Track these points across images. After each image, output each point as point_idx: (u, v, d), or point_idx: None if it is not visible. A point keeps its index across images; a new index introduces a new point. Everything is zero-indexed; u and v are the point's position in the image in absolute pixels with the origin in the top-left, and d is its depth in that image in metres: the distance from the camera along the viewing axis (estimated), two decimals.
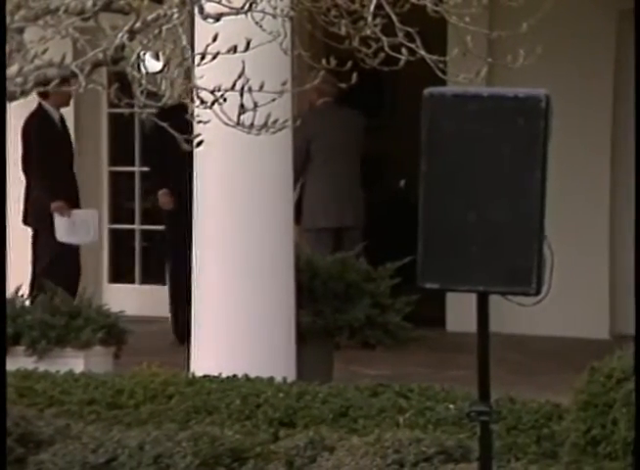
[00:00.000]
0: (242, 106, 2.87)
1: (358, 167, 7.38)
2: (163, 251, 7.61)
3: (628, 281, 7.73)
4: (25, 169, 7.31)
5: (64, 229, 7.16)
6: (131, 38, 2.82)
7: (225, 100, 2.89)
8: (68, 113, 7.78)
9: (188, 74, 2.94)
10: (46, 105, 7.28)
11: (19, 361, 5.39)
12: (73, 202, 7.29)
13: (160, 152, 7.06)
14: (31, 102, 6.99)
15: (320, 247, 6.74)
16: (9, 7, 2.80)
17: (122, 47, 2.82)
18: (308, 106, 7.13)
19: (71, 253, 7.27)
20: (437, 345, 7.01)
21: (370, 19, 2.94)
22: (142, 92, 2.84)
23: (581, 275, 7.45)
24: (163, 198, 7.32)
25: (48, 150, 7.28)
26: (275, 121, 2.94)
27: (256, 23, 3.03)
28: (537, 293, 3.09)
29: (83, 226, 7.23)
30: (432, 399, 4.55)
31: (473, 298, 3.18)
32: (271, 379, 4.88)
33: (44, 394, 4.85)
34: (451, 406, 4.42)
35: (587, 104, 7.52)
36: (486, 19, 6.39)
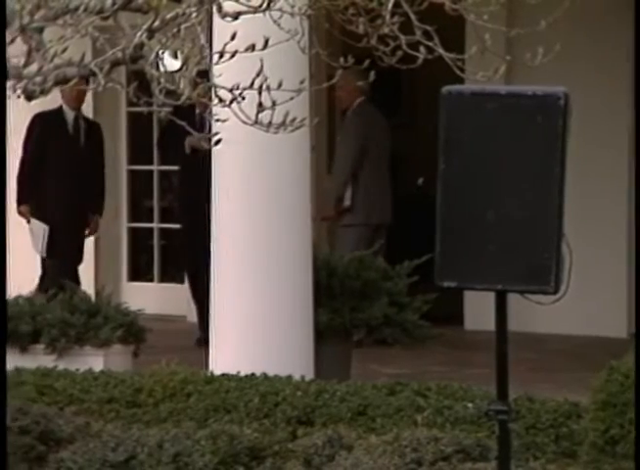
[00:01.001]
0: (260, 104, 2.88)
1: (388, 166, 7.50)
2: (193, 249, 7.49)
3: None
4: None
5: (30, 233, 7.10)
6: (150, 37, 2.83)
7: (243, 98, 2.89)
8: (86, 111, 7.79)
9: (206, 73, 2.94)
10: (65, 106, 7.21)
11: (38, 359, 5.41)
12: (56, 209, 6.97)
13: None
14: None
15: (362, 242, 6.84)
16: (28, 7, 2.82)
17: (141, 46, 2.83)
18: (347, 104, 7.19)
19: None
20: (455, 343, 7.00)
21: (388, 17, 2.94)
22: (160, 91, 2.84)
23: (600, 274, 7.43)
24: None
25: (40, 149, 7.14)
26: (293, 120, 2.94)
27: (274, 21, 3.03)
28: (556, 291, 3.08)
29: (36, 238, 7.12)
30: (450, 398, 4.54)
31: (491, 296, 3.17)
32: (289, 377, 4.89)
33: (64, 392, 4.87)
34: (469, 405, 4.41)
35: (606, 101, 7.50)
36: (504, 16, 6.37)
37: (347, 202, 7.25)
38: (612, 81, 7.52)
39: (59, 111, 7.24)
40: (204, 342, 6.30)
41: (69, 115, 7.29)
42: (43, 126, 7.20)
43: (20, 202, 7.13)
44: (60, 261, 7.15)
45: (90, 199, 7.34)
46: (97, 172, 7.38)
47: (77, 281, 7.03)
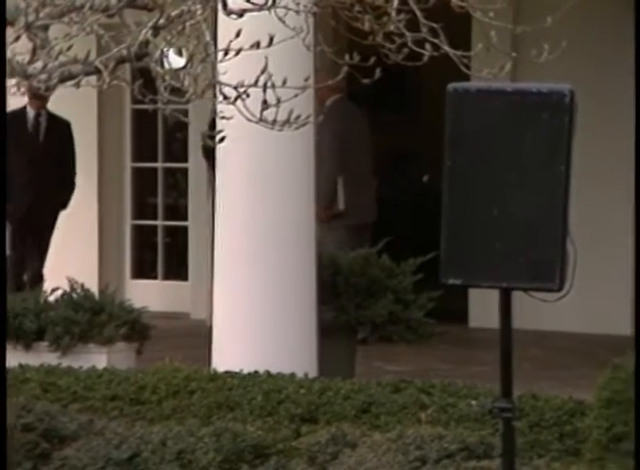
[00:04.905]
0: (264, 102, 2.87)
1: (372, 164, 7.42)
2: None
3: None
4: None
5: None
6: (155, 34, 2.82)
7: (248, 96, 2.89)
8: (91, 109, 7.79)
9: (211, 70, 2.94)
10: (28, 105, 7.27)
11: (42, 357, 5.41)
12: (15, 207, 6.82)
13: None
14: None
15: (359, 242, 6.78)
16: (34, 4, 2.81)
17: (146, 43, 2.83)
18: (319, 102, 7.16)
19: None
20: (460, 341, 6.99)
21: (394, 14, 2.93)
22: (165, 88, 2.84)
23: (604, 271, 7.42)
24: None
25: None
26: (297, 117, 2.93)
27: (279, 18, 3.02)
28: (560, 289, 3.07)
29: None
30: (454, 396, 4.54)
31: (496, 294, 3.16)
32: (293, 375, 4.88)
33: (68, 389, 4.86)
34: (473, 403, 4.40)
35: (611, 99, 7.48)
36: (511, 14, 6.36)
37: (341, 205, 7.16)
38: (617, 78, 7.51)
39: (22, 110, 7.33)
40: None
41: (30, 113, 7.38)
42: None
43: None
44: (20, 259, 7.18)
45: (54, 195, 7.38)
46: (61, 169, 7.42)
47: (40, 279, 7.06)
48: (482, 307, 7.02)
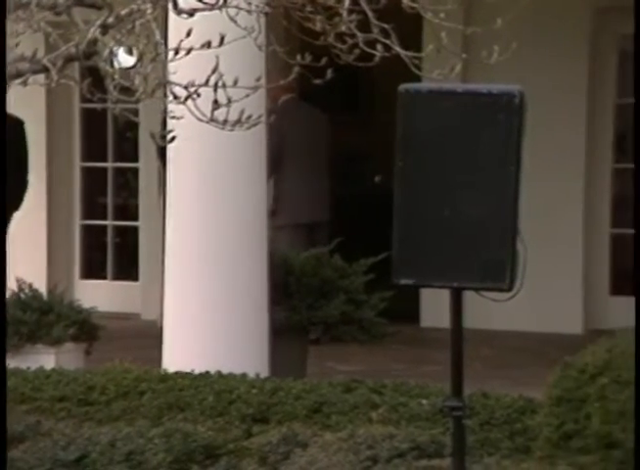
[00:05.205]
0: (215, 101, 2.86)
1: (325, 164, 7.40)
2: None
3: (602, 276, 7.78)
4: None
5: None
6: (104, 33, 2.80)
7: (199, 95, 2.87)
8: (40, 107, 7.72)
9: (162, 70, 2.92)
10: None
11: None
12: None
13: None
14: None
15: (296, 243, 6.75)
16: None
17: (95, 42, 2.80)
18: (272, 101, 7.13)
19: None
20: (412, 340, 7.02)
21: (345, 14, 2.93)
22: (115, 87, 2.81)
23: (555, 271, 7.48)
24: None
25: None
26: (249, 117, 2.92)
27: (231, 18, 3.01)
28: (510, 288, 3.10)
29: None
30: (405, 395, 4.55)
31: (447, 293, 3.18)
32: (244, 375, 4.87)
33: (15, 390, 4.81)
34: (424, 402, 4.42)
35: (562, 100, 7.55)
36: (461, 15, 6.40)
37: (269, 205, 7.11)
38: (568, 79, 7.58)
39: None
40: None
41: None
42: None
43: None
44: None
45: (8, 196, 7.33)
46: (17, 169, 7.36)
47: None
48: (434, 307, 7.06)
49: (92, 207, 8.48)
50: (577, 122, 7.63)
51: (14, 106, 7.40)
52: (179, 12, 2.88)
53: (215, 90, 2.84)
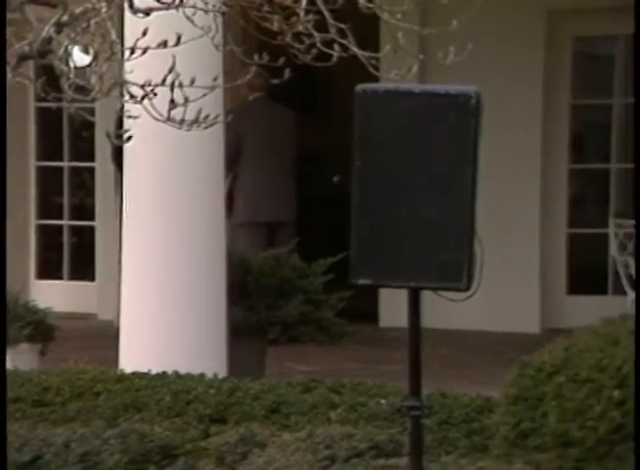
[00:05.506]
0: (172, 101, 2.84)
1: (290, 163, 7.38)
2: None
3: (559, 276, 7.84)
4: None
5: None
6: (59, 31, 2.77)
7: (155, 95, 2.85)
8: None
9: (118, 69, 2.90)
10: None
11: None
12: None
13: None
14: None
15: (254, 242, 6.73)
16: None
17: (49, 40, 2.77)
18: (239, 100, 7.11)
19: None
20: (371, 340, 7.04)
21: (302, 14, 2.93)
22: (70, 86, 2.79)
23: (512, 270, 7.53)
24: None
25: None
26: (206, 117, 2.91)
27: (187, 18, 3.00)
28: (468, 288, 3.11)
29: None
30: (364, 395, 4.56)
31: (405, 293, 3.18)
32: (202, 375, 4.85)
33: None
34: (383, 402, 4.43)
35: (518, 100, 7.60)
36: (418, 15, 6.42)
37: None
38: (523, 81, 7.63)
39: None
40: None
41: None
42: None
43: None
44: None
45: None
46: None
47: None
48: (393, 307, 7.08)
49: (48, 206, 8.41)
50: (533, 123, 7.68)
51: None
52: (135, 11, 2.86)
53: (172, 90, 2.83)
